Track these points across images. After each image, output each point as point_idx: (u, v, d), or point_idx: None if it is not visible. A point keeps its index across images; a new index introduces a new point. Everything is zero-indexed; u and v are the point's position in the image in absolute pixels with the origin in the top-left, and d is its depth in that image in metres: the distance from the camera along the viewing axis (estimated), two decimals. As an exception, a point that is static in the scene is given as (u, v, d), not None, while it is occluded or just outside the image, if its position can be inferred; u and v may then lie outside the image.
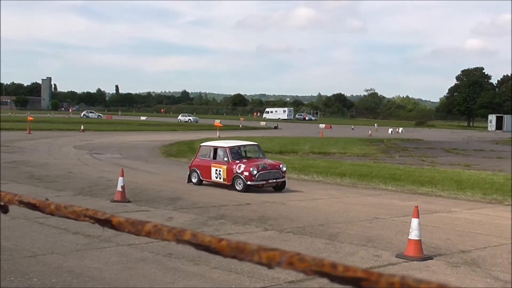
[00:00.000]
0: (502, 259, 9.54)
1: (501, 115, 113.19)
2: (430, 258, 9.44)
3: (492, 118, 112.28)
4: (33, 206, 1.48)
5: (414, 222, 9.41)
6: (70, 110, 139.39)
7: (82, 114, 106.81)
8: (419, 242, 9.40)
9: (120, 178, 14.27)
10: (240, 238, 10.21)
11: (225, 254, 1.10)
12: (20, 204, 1.53)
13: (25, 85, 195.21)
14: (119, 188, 14.20)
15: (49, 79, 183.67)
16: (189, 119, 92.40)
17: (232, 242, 1.09)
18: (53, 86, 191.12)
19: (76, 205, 1.40)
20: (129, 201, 14.01)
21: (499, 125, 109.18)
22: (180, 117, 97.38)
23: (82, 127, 52.29)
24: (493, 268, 9.00)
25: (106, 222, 1.33)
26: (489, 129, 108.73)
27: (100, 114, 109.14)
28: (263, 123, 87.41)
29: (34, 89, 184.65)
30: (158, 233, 1.23)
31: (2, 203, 1.59)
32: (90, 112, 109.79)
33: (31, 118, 52.29)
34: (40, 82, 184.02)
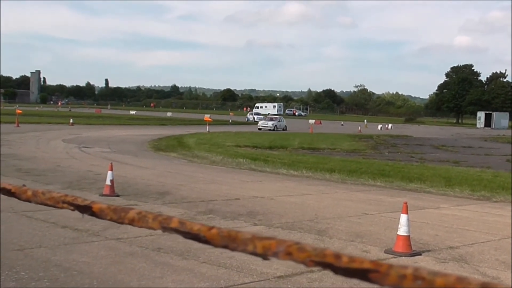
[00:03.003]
0: (490, 256, 9.59)
1: (490, 112, 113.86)
2: (419, 254, 9.48)
3: (481, 115, 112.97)
4: (8, 192, 1.38)
5: (403, 218, 9.44)
6: (59, 103, 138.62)
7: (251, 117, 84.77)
8: (407, 238, 9.43)
9: (109, 172, 14.20)
10: (229, 233, 10.20)
11: (215, 243, 1.02)
12: None
13: (14, 78, 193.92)
14: (108, 182, 14.14)
15: (38, 72, 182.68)
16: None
17: (223, 231, 1.01)
18: (42, 79, 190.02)
19: (54, 191, 1.32)
20: (117, 195, 13.95)
21: (488, 122, 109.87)
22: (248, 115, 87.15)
23: (71, 121, 52.03)
24: (481, 264, 9.05)
25: (86, 209, 1.24)
26: (477, 126, 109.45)
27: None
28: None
29: (23, 82, 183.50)
30: (142, 220, 1.15)
31: None
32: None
33: (19, 111, 51.96)
34: (29, 75, 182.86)
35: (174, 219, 1.10)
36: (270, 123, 59.62)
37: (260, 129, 57.51)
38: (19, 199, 1.37)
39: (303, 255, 0.91)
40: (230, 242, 0.99)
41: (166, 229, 1.09)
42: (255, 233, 0.98)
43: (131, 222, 1.16)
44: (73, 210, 1.27)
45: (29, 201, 1.36)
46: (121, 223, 1.18)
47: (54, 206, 1.31)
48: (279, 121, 61.25)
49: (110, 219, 1.19)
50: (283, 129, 59.41)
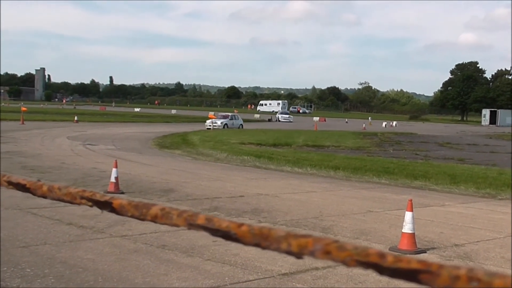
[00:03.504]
0: (495, 253, 9.57)
1: (495, 109, 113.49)
2: (424, 251, 9.46)
3: (486, 112, 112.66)
4: (23, 188, 1.33)
5: (408, 215, 9.42)
6: (64, 101, 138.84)
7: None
8: (412, 235, 9.42)
9: (114, 170, 14.22)
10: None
11: (246, 241, 0.97)
12: (8, 185, 1.37)
13: (19, 75, 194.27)
14: (112, 179, 14.16)
15: (43, 69, 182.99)
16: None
17: (255, 228, 0.95)
18: (46, 76, 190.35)
19: (71, 187, 1.28)
20: (122, 193, 13.97)
21: (493, 119, 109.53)
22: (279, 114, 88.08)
23: (75, 118, 52.11)
24: (486, 262, 9.03)
25: (105, 205, 1.18)
26: (482, 123, 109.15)
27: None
28: (257, 116, 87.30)
29: (28, 79, 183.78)
30: (166, 217, 1.09)
31: None
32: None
33: (24, 109, 52.03)
34: (34, 72, 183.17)
35: (200, 215, 1.04)
36: (219, 122, 54.66)
37: (208, 128, 51.28)
38: (34, 194, 1.31)
39: (343, 254, 0.86)
40: (262, 240, 0.94)
41: (192, 226, 1.03)
42: (288, 230, 0.93)
43: (154, 219, 1.09)
44: (91, 206, 1.20)
45: (45, 197, 1.29)
46: (143, 219, 1.11)
47: (71, 202, 1.24)
48: (231, 119, 56.82)
49: (131, 216, 1.13)
50: (238, 128, 55.54)
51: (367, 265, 0.84)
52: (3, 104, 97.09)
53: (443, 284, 0.78)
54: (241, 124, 56.51)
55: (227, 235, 0.99)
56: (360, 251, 0.85)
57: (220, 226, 1.00)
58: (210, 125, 51.51)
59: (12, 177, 1.39)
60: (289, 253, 0.91)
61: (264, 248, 0.95)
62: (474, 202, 15.12)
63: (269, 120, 75.37)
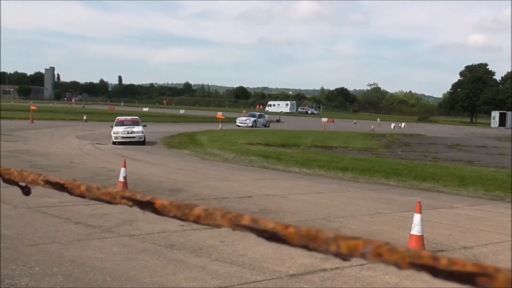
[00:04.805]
0: (504, 256, 9.52)
1: (504, 111, 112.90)
2: (432, 253, 9.41)
3: (495, 114, 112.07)
4: (61, 187, 1.32)
5: (416, 217, 9.39)
6: (73, 100, 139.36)
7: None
8: (421, 237, 9.39)
9: (122, 169, 14.29)
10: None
11: (293, 242, 0.96)
12: (45, 184, 1.37)
13: (28, 74, 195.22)
14: (121, 179, 14.21)
15: (52, 68, 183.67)
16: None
17: (302, 229, 0.95)
18: (56, 76, 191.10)
19: (110, 187, 1.27)
20: (130, 192, 14.01)
21: (502, 121, 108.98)
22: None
23: (84, 117, 52.30)
24: (495, 265, 8.97)
25: (147, 205, 1.16)
26: (492, 125, 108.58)
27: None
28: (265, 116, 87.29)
29: (37, 78, 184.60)
30: (209, 218, 1.07)
31: (23, 184, 1.44)
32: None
33: (33, 108, 52.27)
34: (43, 71, 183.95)
35: (245, 216, 1.02)
36: (251, 119, 57.39)
37: (238, 126, 55.13)
38: (72, 194, 1.31)
39: (395, 257, 0.86)
40: (310, 241, 0.93)
41: (237, 227, 1.02)
42: (337, 232, 0.93)
43: (197, 220, 1.09)
44: (131, 206, 1.18)
45: (83, 197, 1.29)
46: (185, 220, 1.11)
47: (110, 202, 1.24)
48: (259, 117, 59.45)
49: (173, 216, 1.13)
50: (265, 126, 58.22)
51: (420, 267, 0.84)
52: (12, 102, 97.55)
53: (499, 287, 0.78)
54: (267, 122, 58.17)
55: (275, 236, 0.97)
56: (412, 253, 0.85)
57: (266, 227, 0.99)
58: (241, 123, 54.95)
59: (49, 176, 1.38)
60: (338, 255, 0.90)
61: (311, 249, 0.94)
62: (483, 205, 15.06)
63: (277, 121, 75.41)
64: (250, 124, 56.10)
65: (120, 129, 29.88)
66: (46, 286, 6.85)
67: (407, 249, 0.86)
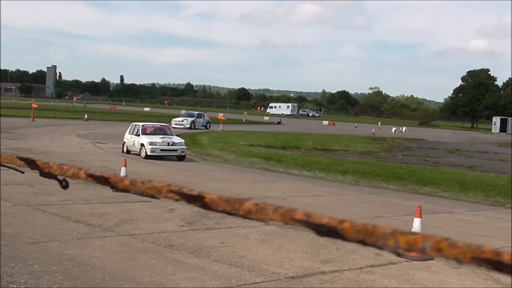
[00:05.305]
0: (503, 262, 9.51)
1: (506, 117, 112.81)
2: (431, 258, 9.40)
3: (497, 120, 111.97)
4: (104, 181, 1.30)
5: (416, 221, 9.39)
6: (74, 99, 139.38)
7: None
8: (420, 241, 9.37)
9: (123, 168, 14.30)
10: (241, 232, 10.21)
11: (349, 237, 0.95)
12: (87, 177, 1.34)
13: (30, 72, 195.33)
14: (121, 178, 14.19)
15: (54, 67, 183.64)
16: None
17: (358, 224, 0.94)
18: (58, 74, 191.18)
19: (155, 181, 1.25)
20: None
21: (503, 127, 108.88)
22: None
23: (86, 116, 52.31)
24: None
25: (196, 199, 1.15)
26: (493, 131, 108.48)
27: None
28: (266, 118, 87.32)
29: (39, 76, 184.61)
30: (260, 212, 1.06)
31: (62, 178, 1.41)
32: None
33: (35, 106, 52.24)
34: (45, 70, 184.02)
35: (298, 211, 1.01)
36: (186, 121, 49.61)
37: (174, 127, 44.92)
38: (115, 188, 1.27)
39: (456, 251, 0.86)
40: (367, 236, 0.92)
41: (290, 221, 1.00)
42: (394, 227, 0.92)
43: (247, 214, 1.06)
44: (177, 200, 1.17)
45: (127, 191, 1.27)
46: (235, 215, 1.08)
47: (153, 196, 1.20)
48: (199, 117, 51.88)
49: (223, 211, 1.10)
50: (206, 127, 50.73)
51: (482, 261, 0.84)
52: (14, 100, 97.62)
53: None
54: (208, 122, 51.56)
55: (332, 231, 0.96)
56: (473, 248, 0.85)
57: (320, 221, 0.98)
58: (177, 124, 47.90)
59: (91, 170, 1.36)
60: (395, 250, 0.90)
61: (368, 244, 0.93)
62: (483, 210, 15.05)
63: (279, 123, 75.40)
64: (188, 125, 48.48)
65: (158, 139, 23.30)
66: (45, 284, 6.85)
67: (467, 244, 0.86)
